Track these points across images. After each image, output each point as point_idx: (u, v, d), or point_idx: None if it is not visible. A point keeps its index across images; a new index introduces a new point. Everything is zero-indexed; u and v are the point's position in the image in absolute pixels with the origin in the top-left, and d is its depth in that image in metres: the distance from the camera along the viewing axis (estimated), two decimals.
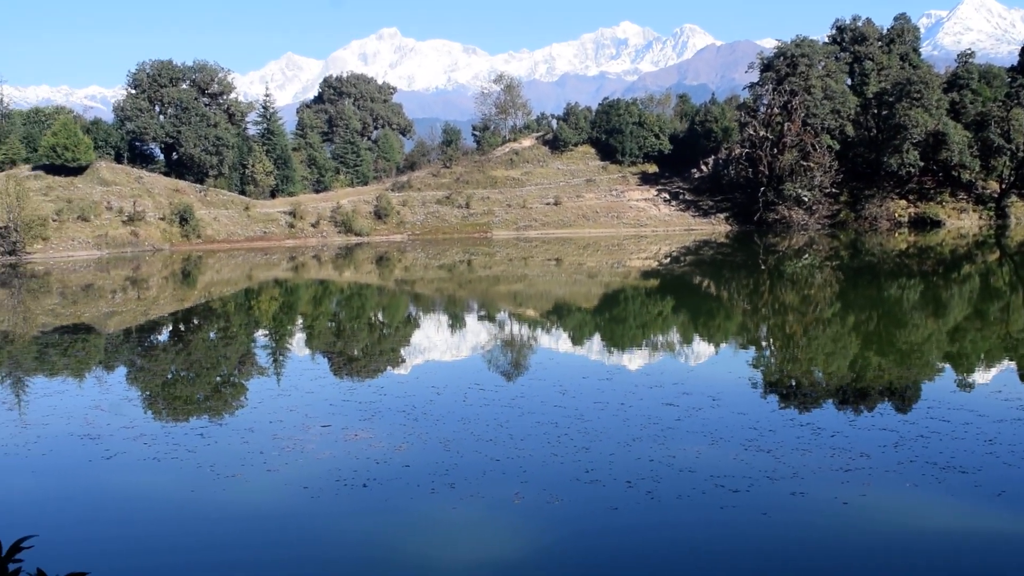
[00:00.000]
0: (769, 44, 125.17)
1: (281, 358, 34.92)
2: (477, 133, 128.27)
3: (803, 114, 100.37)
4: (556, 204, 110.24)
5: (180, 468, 18.53)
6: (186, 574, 13.94)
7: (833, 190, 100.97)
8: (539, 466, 17.97)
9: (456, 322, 44.55)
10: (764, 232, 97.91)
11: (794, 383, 27.66)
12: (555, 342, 37.84)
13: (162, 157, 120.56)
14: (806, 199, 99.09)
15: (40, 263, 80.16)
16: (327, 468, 18.18)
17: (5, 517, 16.29)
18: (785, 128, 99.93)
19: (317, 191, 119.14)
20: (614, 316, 44.78)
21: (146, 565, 14.04)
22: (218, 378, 30.81)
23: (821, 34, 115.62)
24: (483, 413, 22.45)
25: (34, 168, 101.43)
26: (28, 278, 69.01)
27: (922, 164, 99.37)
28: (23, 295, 58.48)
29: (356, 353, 35.64)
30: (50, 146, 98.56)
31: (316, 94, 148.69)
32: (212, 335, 42.01)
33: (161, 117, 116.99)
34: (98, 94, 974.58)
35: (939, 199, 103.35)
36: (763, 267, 67.66)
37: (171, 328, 45.12)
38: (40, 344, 39.11)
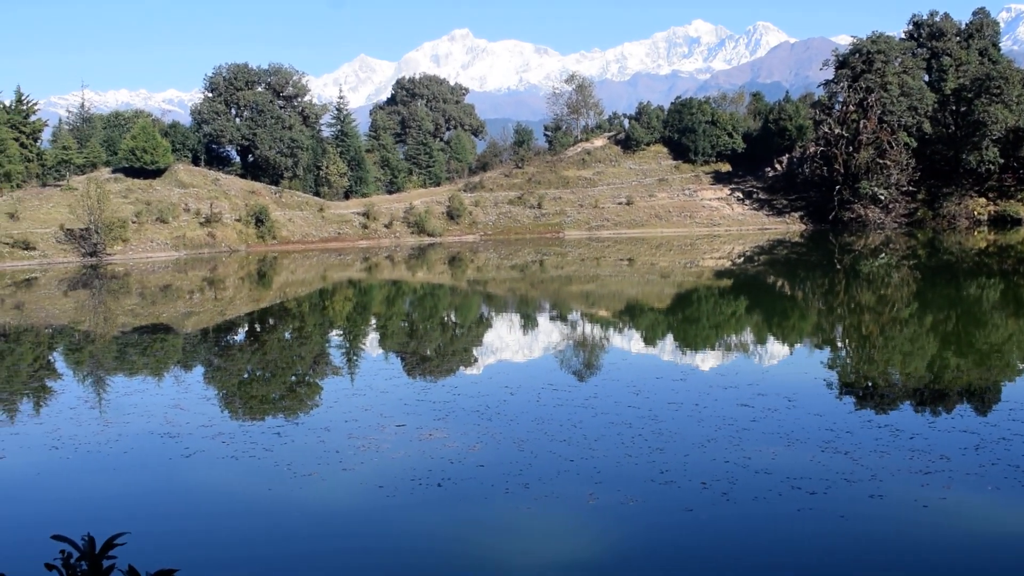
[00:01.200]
0: (844, 41, 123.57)
1: (355, 358, 35.21)
2: (549, 133, 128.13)
3: (879, 111, 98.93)
4: (628, 204, 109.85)
5: (258, 466, 18.76)
6: (266, 571, 14.10)
7: (910, 188, 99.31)
8: (613, 467, 17.91)
9: (528, 322, 44.57)
10: (839, 231, 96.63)
11: (871, 384, 27.27)
12: (627, 342, 37.69)
13: (238, 159, 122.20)
14: (882, 197, 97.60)
15: (120, 264, 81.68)
16: (402, 467, 18.29)
17: (88, 512, 16.63)
18: (861, 125, 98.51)
19: (390, 192, 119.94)
20: (687, 316, 44.50)
21: (226, 562, 14.24)
22: (293, 377, 31.14)
23: (897, 30, 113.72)
24: (557, 413, 22.43)
25: (114, 171, 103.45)
26: (108, 279, 70.35)
27: (1002, 161, 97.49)
28: (104, 296, 59.64)
29: (429, 353, 35.81)
30: (129, 149, 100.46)
31: (389, 96, 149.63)
32: (287, 335, 42.48)
33: (237, 120, 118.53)
34: (175, 98, 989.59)
35: (1020, 197, 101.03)
36: (838, 266, 66.80)
37: (247, 328, 45.72)
38: (120, 344, 39.85)
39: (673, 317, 44.47)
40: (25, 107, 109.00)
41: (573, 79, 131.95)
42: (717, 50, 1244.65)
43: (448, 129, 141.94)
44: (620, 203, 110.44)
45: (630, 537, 14.79)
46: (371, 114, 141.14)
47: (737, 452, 18.64)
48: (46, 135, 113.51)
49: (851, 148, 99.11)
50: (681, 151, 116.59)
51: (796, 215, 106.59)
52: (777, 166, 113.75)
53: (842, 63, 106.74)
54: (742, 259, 75.68)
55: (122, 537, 4.47)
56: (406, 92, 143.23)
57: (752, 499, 15.99)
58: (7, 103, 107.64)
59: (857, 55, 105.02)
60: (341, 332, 42.91)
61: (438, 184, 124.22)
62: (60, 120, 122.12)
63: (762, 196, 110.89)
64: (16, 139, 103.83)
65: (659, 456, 18.47)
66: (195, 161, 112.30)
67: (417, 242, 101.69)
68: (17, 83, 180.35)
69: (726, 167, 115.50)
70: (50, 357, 37.60)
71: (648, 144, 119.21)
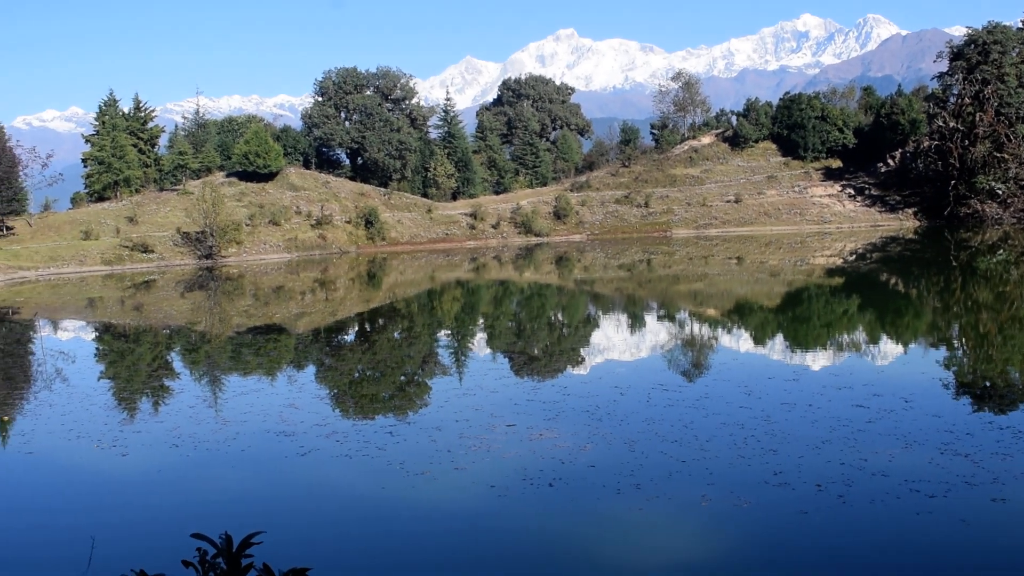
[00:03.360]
0: (958, 32, 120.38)
1: (463, 358, 35.41)
2: (655, 131, 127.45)
3: (996, 103, 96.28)
4: (737, 201, 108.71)
5: (371, 465, 18.98)
6: (380, 568, 14.26)
7: None
8: (726, 468, 17.70)
9: (636, 322, 44.34)
10: (955, 227, 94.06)
11: (990, 384, 26.50)
12: (737, 342, 37.24)
13: (348, 162, 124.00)
14: (1000, 192, 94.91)
15: (234, 266, 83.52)
16: (513, 467, 18.33)
17: (210, 509, 17.00)
18: (977, 119, 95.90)
19: (497, 192, 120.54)
20: (797, 315, 43.82)
21: (346, 560, 14.42)
22: (403, 377, 31.43)
23: (1014, 19, 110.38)
24: (667, 414, 22.27)
25: (228, 175, 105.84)
26: (223, 280, 71.98)
27: None
28: (219, 297, 61.01)
29: (537, 353, 35.84)
30: (243, 153, 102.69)
31: (495, 96, 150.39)
32: (396, 335, 42.91)
33: (347, 123, 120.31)
34: (286, 102, 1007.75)
35: None
36: (954, 263, 65.06)
37: (357, 328, 46.32)
38: (235, 344, 40.72)
39: (783, 316, 43.82)
40: (143, 114, 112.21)
41: (679, 76, 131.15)
42: (826, 44, 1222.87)
43: (554, 129, 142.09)
44: (728, 201, 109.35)
45: (744, 540, 14.60)
46: (477, 115, 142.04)
47: (853, 454, 18.27)
48: (163, 141, 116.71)
49: (967, 142, 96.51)
50: (790, 147, 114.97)
51: (910, 211, 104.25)
52: (890, 161, 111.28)
53: (957, 55, 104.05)
54: (854, 257, 74.24)
55: (256, 536, 4.56)
56: (512, 93, 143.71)
57: (869, 502, 15.65)
58: (126, 110, 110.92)
59: (972, 46, 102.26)
60: (449, 332, 43.21)
61: (545, 184, 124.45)
62: (176, 126, 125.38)
63: (874, 192, 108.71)
64: (135, 145, 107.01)
65: (772, 457, 18.21)
66: (306, 164, 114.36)
67: (524, 242, 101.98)
68: (135, 90, 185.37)
69: (837, 163, 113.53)
70: (168, 357, 38.57)
71: (756, 141, 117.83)
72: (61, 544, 15.30)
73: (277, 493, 18.03)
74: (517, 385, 28.13)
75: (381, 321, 48.56)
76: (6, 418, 25.54)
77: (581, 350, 36.31)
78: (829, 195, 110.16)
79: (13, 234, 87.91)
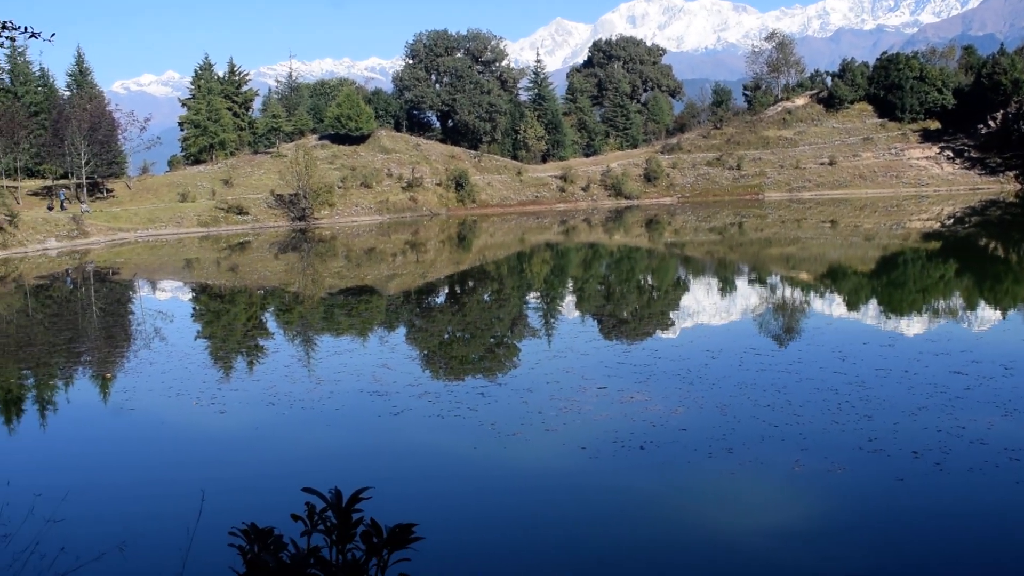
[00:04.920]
0: None
1: (553, 320, 35.48)
2: (748, 93, 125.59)
3: None
4: (831, 164, 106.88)
5: (463, 425, 19.15)
6: (473, 526, 14.40)
7: None
8: (819, 433, 17.51)
9: (727, 285, 43.96)
10: None
11: None
12: (830, 306, 36.72)
13: (438, 124, 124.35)
14: None
15: (326, 228, 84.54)
16: (604, 429, 18.35)
17: (307, 465, 17.32)
18: None
19: (587, 155, 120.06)
20: (892, 280, 43.05)
21: (443, 518, 14.56)
22: (492, 339, 31.58)
23: None
24: (760, 378, 22.06)
25: (320, 138, 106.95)
26: (316, 242, 72.92)
27: None
28: (311, 258, 61.85)
29: (627, 316, 35.76)
30: (335, 116, 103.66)
31: (585, 58, 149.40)
32: (486, 297, 43.11)
33: (437, 86, 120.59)
34: (377, 65, 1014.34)
35: None
36: None
37: (447, 290, 46.63)
38: (327, 305, 41.28)
39: (878, 280, 43.10)
40: (237, 78, 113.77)
41: (773, 37, 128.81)
42: (925, 2, 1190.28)
43: (645, 91, 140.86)
44: (822, 163, 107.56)
45: (838, 505, 14.45)
46: (568, 77, 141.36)
47: (950, 421, 17.94)
48: (257, 104, 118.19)
49: None
50: (887, 109, 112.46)
51: (1011, 174, 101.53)
52: (991, 123, 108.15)
53: None
54: (952, 220, 72.64)
55: (364, 492, 4.64)
56: (603, 54, 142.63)
57: (967, 470, 15.36)
58: (221, 74, 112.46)
59: None
60: (539, 295, 43.29)
61: (635, 146, 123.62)
62: (270, 90, 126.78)
63: (974, 155, 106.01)
64: (229, 109, 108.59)
65: (867, 424, 17.96)
66: (397, 127, 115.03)
67: (614, 205, 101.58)
68: (230, 55, 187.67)
69: (935, 125, 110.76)
70: (262, 317, 39.26)
71: (852, 102, 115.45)
72: (170, 498, 15.71)
73: (372, 451, 18.30)
74: (607, 348, 28.12)
75: (471, 283, 48.81)
76: (108, 375, 26.27)
77: (671, 313, 36.13)
78: (927, 157, 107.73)
79: (113, 196, 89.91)
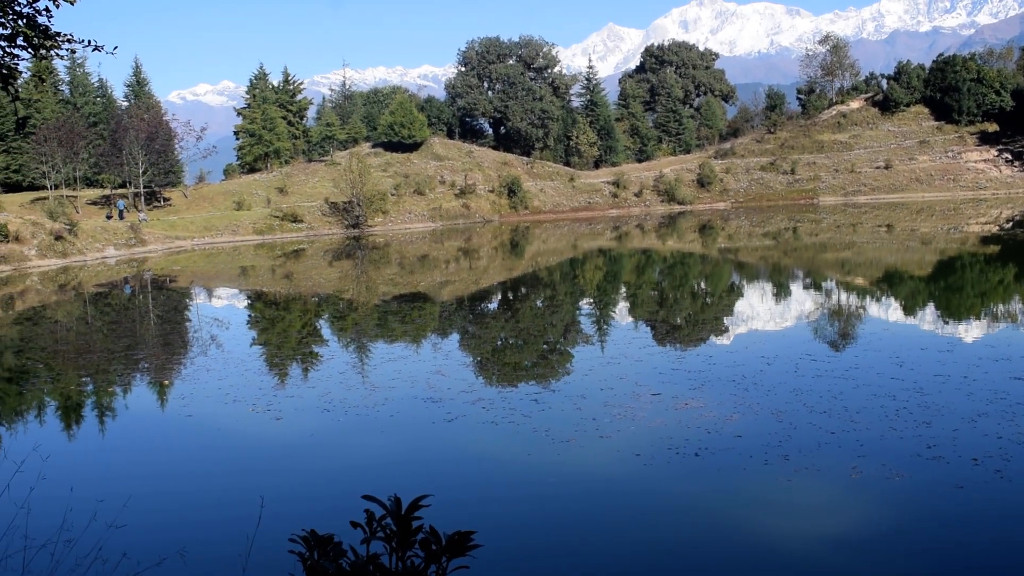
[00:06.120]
0: None
1: (606, 326, 35.41)
2: (802, 96, 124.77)
3: None
4: (886, 168, 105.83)
5: (517, 432, 19.15)
6: (527, 533, 14.38)
7: None
8: (877, 440, 17.32)
9: (781, 291, 43.65)
10: None
11: None
12: (887, 311, 36.34)
13: (490, 131, 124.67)
14: None
15: (380, 235, 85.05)
16: (658, 436, 18.29)
17: (362, 473, 17.41)
18: None
19: (639, 160, 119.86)
20: (950, 284, 42.50)
21: (492, 523, 14.60)
22: (545, 345, 31.57)
23: None
24: (815, 384, 21.89)
25: (374, 146, 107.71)
26: (369, 249, 73.36)
27: None
28: (365, 265, 62.24)
29: (680, 322, 35.62)
30: (388, 124, 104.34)
31: (638, 63, 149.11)
32: (539, 303, 43.12)
33: (489, 93, 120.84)
34: (430, 73, 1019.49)
35: None
36: None
37: (500, 297, 46.70)
38: (381, 311, 41.49)
39: (935, 285, 42.57)
40: (291, 87, 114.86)
41: (827, 40, 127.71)
42: (982, 3, 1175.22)
43: (698, 95, 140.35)
44: (878, 167, 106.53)
45: (896, 513, 14.29)
46: (620, 83, 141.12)
47: (1011, 428, 17.68)
48: (311, 113, 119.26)
49: None
50: (943, 111, 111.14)
51: None
52: None
53: None
54: (1011, 224, 71.59)
55: (424, 499, 4.68)
56: (655, 59, 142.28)
57: None
58: (275, 83, 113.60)
59: None
60: (592, 301, 43.23)
61: (688, 151, 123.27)
62: (323, 98, 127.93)
63: None
64: (284, 117, 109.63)
65: (925, 430, 17.76)
66: (450, 134, 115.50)
67: (667, 210, 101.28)
68: (284, 64, 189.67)
69: (993, 127, 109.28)
70: (317, 324, 39.55)
71: (908, 105, 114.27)
72: (229, 504, 15.87)
73: (426, 457, 18.35)
74: (661, 354, 28.02)
75: (524, 289, 48.85)
76: (166, 382, 26.61)
77: (725, 319, 35.91)
78: (985, 160, 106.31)
79: (170, 205, 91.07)
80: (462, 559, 4.58)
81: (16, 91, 10.17)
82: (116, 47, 10.19)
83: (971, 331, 30.64)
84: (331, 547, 4.65)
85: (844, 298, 40.28)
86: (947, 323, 33.12)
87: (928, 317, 34.59)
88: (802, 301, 39.68)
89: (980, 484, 15.02)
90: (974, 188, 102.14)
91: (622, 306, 41.46)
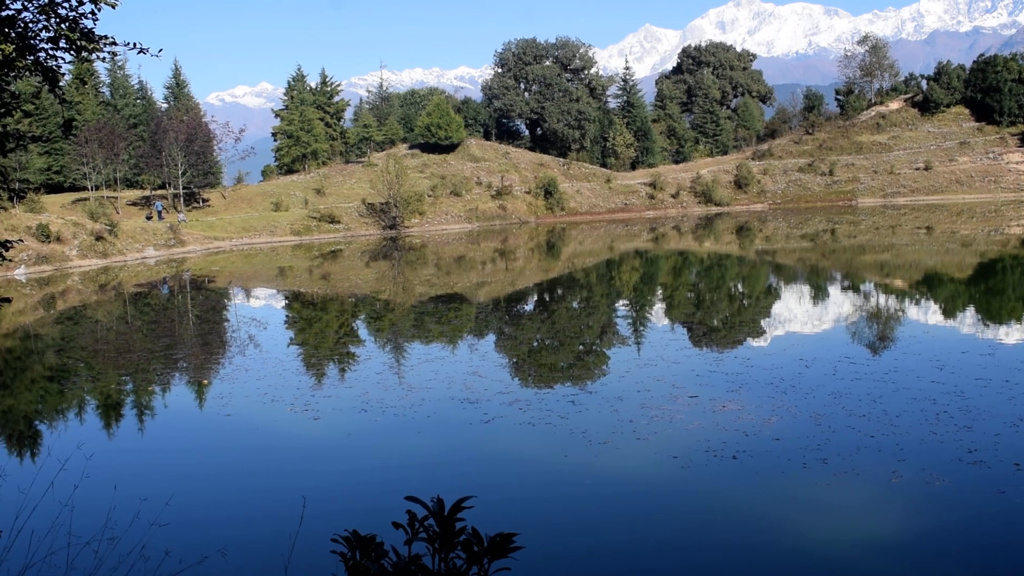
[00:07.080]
0: None
1: (643, 328, 35.32)
2: (840, 97, 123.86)
3: None
4: (926, 169, 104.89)
5: (554, 433, 19.17)
6: (566, 534, 14.39)
7: None
8: (917, 444, 17.21)
9: (820, 293, 43.37)
10: None
11: None
12: (926, 314, 36.03)
13: (527, 133, 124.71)
14: None
15: (416, 236, 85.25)
16: (696, 438, 18.25)
17: (401, 473, 17.48)
18: None
19: (676, 162, 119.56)
20: (991, 287, 42.09)
21: (531, 524, 14.63)
22: (582, 347, 31.56)
23: None
24: (854, 387, 21.76)
25: (411, 147, 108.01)
26: (406, 250, 73.57)
27: None
28: (402, 266, 62.41)
29: (717, 324, 35.49)
30: (425, 126, 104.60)
31: (674, 64, 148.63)
32: (575, 304, 43.11)
33: (526, 94, 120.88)
34: (466, 74, 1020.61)
35: None
36: None
37: (536, 298, 46.70)
38: (418, 312, 41.60)
39: (976, 288, 42.16)
40: (329, 88, 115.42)
41: (866, 40, 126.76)
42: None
43: (735, 96, 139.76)
44: (917, 168, 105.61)
45: (936, 517, 14.20)
46: (657, 84, 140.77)
47: None
48: (348, 114, 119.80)
49: None
50: (984, 112, 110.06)
51: None
52: None
53: None
54: None
55: (467, 501, 4.72)
56: (692, 60, 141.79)
57: None
58: (313, 85, 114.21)
59: None
60: (628, 302, 43.15)
61: (725, 153, 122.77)
62: (361, 100, 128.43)
63: None
64: (321, 119, 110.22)
65: (967, 434, 17.62)
66: (486, 135, 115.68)
67: (704, 212, 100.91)
68: (321, 65, 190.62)
69: None
70: (354, 325, 39.71)
71: (948, 106, 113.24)
72: (270, 504, 16.01)
73: (464, 458, 18.42)
74: (698, 356, 27.92)
75: (560, 291, 48.84)
76: (205, 381, 26.83)
77: (762, 321, 35.74)
78: None
79: (208, 206, 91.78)
80: (504, 560, 4.61)
81: (62, 93, 10.30)
82: (161, 49, 10.30)
83: (1012, 334, 30.35)
84: (373, 547, 4.70)
85: (883, 301, 40.00)
86: (988, 326, 32.82)
87: (969, 320, 34.28)
88: (840, 303, 39.42)
89: (1022, 489, 14.89)
90: (1016, 190, 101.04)
91: (658, 308, 41.34)
